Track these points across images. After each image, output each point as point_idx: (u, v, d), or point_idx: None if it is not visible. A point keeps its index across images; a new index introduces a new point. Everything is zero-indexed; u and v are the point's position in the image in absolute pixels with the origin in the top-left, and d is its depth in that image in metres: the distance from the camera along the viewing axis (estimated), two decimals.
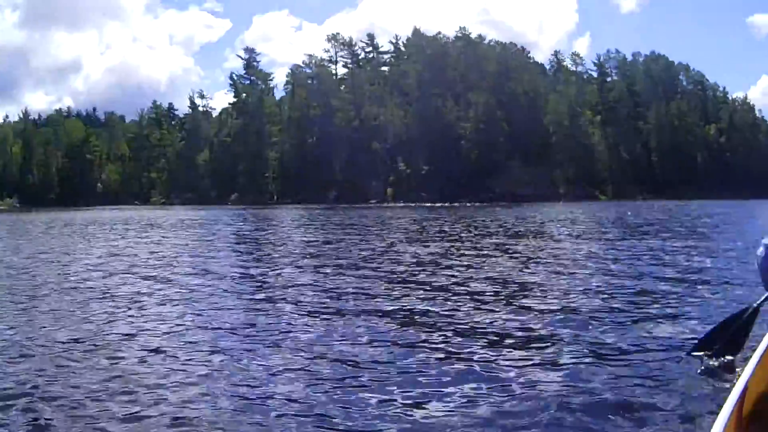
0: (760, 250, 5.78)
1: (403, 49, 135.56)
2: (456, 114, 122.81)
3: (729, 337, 6.81)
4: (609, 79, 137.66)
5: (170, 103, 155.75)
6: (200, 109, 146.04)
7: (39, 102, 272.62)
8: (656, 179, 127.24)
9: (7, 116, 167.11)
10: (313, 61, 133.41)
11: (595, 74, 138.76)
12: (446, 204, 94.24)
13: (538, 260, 16.70)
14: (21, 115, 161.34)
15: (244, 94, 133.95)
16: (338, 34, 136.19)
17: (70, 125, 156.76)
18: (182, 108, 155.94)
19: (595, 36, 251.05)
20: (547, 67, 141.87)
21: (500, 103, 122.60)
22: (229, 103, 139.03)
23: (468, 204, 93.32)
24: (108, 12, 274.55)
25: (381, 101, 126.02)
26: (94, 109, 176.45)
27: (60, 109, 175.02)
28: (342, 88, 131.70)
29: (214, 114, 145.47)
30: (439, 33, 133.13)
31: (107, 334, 9.08)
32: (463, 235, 27.57)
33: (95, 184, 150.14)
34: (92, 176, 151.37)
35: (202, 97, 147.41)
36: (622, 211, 54.22)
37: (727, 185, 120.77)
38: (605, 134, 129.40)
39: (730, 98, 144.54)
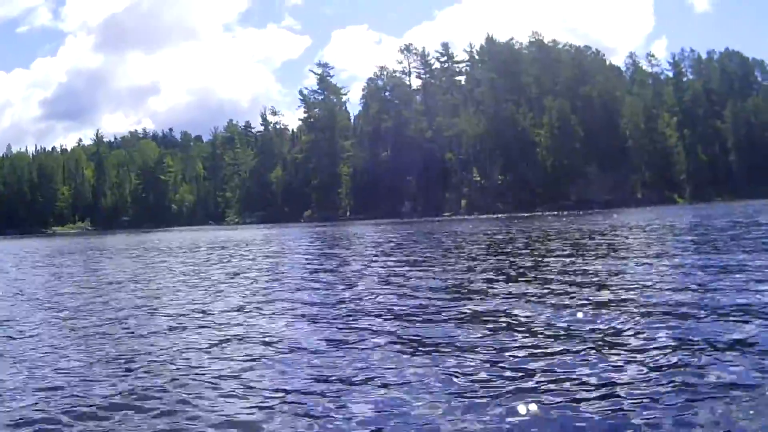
0: None
1: (476, 57, 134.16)
2: (530, 120, 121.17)
3: None
4: (684, 79, 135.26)
5: (247, 121, 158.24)
6: (272, 126, 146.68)
7: (118, 125, 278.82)
8: (734, 179, 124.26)
9: (80, 140, 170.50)
10: (386, 74, 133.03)
11: (671, 74, 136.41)
12: (524, 214, 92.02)
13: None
14: (94, 138, 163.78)
15: (316, 110, 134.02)
16: (411, 45, 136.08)
17: (143, 146, 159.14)
18: (259, 126, 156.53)
19: (671, 37, 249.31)
20: (623, 69, 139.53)
21: (575, 108, 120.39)
22: (300, 119, 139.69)
23: (546, 213, 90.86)
24: (185, 33, 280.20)
25: (454, 111, 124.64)
26: (171, 130, 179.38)
27: (135, 131, 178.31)
28: (415, 99, 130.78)
29: (290, 131, 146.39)
30: (512, 39, 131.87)
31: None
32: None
33: (169, 205, 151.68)
34: (166, 197, 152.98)
35: (274, 114, 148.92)
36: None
37: None
38: (682, 136, 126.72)
39: None
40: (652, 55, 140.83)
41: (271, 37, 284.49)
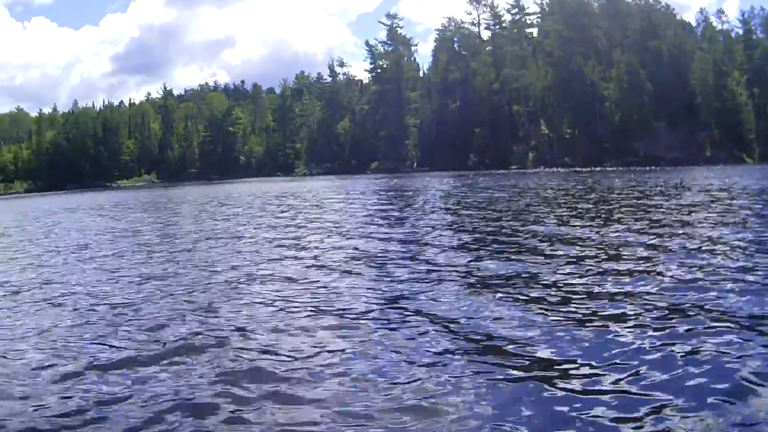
0: None
1: (546, 9, 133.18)
2: (599, 74, 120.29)
3: None
4: (754, 37, 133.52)
5: (318, 73, 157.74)
6: (340, 77, 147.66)
7: (193, 78, 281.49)
8: None
9: (149, 93, 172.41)
10: (454, 25, 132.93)
11: (740, 32, 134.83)
12: (592, 168, 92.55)
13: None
14: (161, 91, 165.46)
15: (382, 61, 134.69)
16: None
17: (212, 98, 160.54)
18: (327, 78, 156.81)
19: None
20: (694, 26, 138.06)
21: (644, 62, 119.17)
22: (366, 70, 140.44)
23: (613, 168, 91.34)
24: None
25: (522, 63, 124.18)
26: (242, 82, 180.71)
27: (206, 83, 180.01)
28: (484, 51, 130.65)
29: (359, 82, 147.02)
30: None
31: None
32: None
33: (237, 156, 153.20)
34: (234, 149, 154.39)
35: (342, 65, 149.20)
36: None
37: None
38: (752, 94, 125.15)
39: None
40: (723, 12, 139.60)
41: None
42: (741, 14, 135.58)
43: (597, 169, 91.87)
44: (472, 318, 8.43)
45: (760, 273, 10.09)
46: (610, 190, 36.20)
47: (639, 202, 26.69)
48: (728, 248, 12.88)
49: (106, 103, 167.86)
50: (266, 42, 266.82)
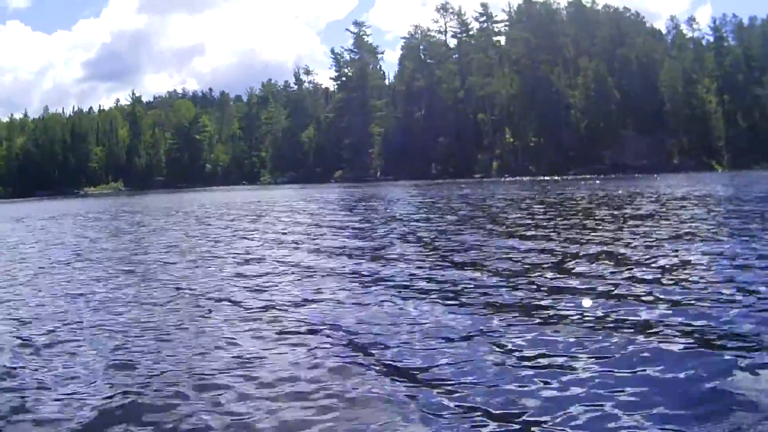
0: None
1: (514, 17, 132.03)
2: (565, 82, 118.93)
3: None
4: (725, 44, 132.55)
5: (286, 81, 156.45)
6: (306, 85, 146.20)
7: (163, 85, 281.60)
8: None
9: (117, 100, 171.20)
10: (421, 33, 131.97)
11: (711, 39, 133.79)
12: (556, 177, 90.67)
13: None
14: (130, 98, 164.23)
15: (347, 69, 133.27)
16: (447, 3, 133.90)
17: (179, 106, 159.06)
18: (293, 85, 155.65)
19: (716, 4, 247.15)
20: (664, 33, 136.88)
21: (612, 70, 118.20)
22: (331, 78, 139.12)
23: (579, 177, 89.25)
24: None
25: (489, 71, 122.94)
26: (210, 90, 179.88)
27: (174, 90, 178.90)
28: (450, 59, 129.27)
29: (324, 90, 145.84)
30: None
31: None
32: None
33: (203, 165, 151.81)
34: (201, 157, 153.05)
35: (308, 72, 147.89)
36: None
37: None
38: (722, 102, 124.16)
39: None
40: (694, 19, 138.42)
41: None
42: (713, 21, 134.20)
43: (561, 177, 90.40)
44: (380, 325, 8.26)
45: (687, 286, 9.71)
46: (555, 200, 35.56)
47: (588, 211, 26.20)
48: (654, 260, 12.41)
49: (76, 109, 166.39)
50: (236, 50, 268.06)
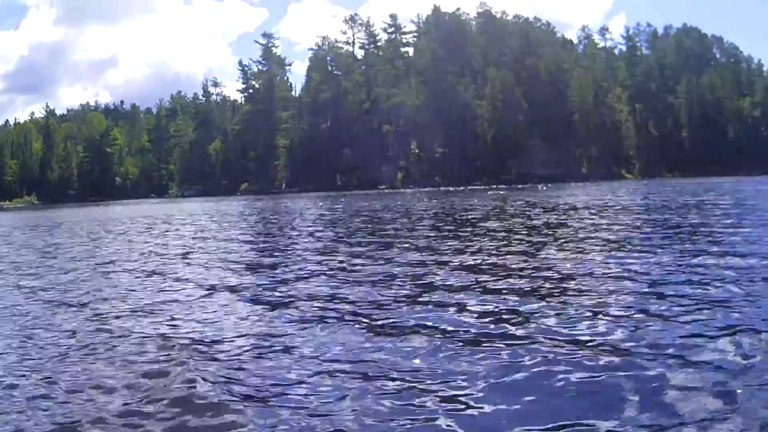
0: None
1: (423, 28, 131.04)
2: (473, 92, 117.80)
3: None
4: (638, 53, 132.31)
5: (195, 93, 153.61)
6: (214, 97, 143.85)
7: (77, 98, 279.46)
8: (686, 156, 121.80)
9: (32, 113, 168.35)
10: (328, 44, 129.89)
11: (624, 48, 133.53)
12: (460, 188, 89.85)
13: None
14: (44, 111, 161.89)
15: (254, 81, 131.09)
16: (356, 15, 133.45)
17: (91, 119, 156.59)
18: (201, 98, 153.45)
19: (631, 14, 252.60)
20: (576, 43, 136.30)
21: (520, 80, 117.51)
22: (238, 90, 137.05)
23: (484, 187, 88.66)
24: (145, 5, 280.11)
25: (395, 82, 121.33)
26: (122, 102, 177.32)
27: (87, 103, 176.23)
28: (357, 70, 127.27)
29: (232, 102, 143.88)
30: (459, 9, 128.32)
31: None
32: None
33: (113, 178, 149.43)
34: (111, 170, 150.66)
35: (216, 85, 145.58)
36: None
37: (762, 160, 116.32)
38: (633, 110, 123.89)
39: (765, 71, 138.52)
40: (607, 29, 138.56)
41: (228, 9, 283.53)
42: (626, 31, 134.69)
43: (466, 188, 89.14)
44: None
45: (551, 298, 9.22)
46: (449, 211, 34.35)
47: (476, 222, 24.85)
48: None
49: None
50: (149, 62, 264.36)
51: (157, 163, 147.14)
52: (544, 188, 71.67)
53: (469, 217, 27.21)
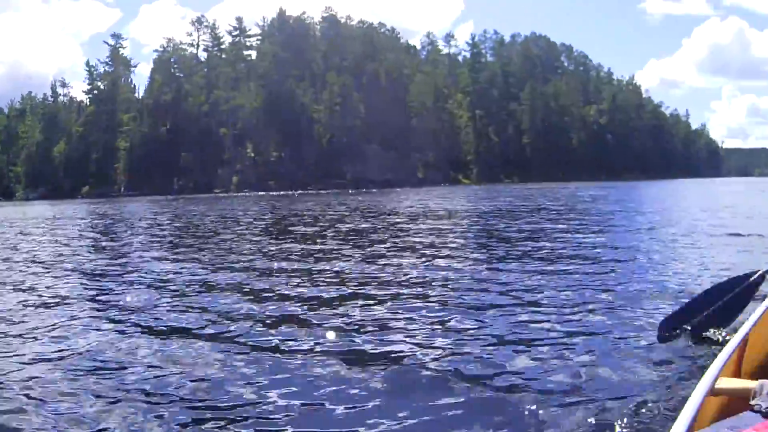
0: None
1: (267, 31, 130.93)
2: (311, 96, 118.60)
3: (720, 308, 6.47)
4: (483, 60, 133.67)
5: (45, 94, 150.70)
6: (62, 98, 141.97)
7: None
8: (527, 161, 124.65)
9: None
10: (173, 46, 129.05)
11: (469, 55, 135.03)
12: (293, 192, 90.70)
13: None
14: None
15: (99, 82, 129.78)
16: (203, 17, 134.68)
17: None
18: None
19: (480, 22, 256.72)
20: (419, 49, 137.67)
21: (360, 85, 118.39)
22: (83, 91, 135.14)
23: (318, 192, 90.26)
24: (3, 3, 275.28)
25: (235, 85, 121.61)
26: None
27: None
28: (199, 73, 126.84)
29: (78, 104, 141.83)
30: (304, 13, 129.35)
31: None
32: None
33: None
34: None
35: (64, 85, 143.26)
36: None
37: (606, 166, 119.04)
38: (474, 116, 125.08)
39: (614, 79, 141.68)
40: (452, 36, 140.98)
41: (83, 9, 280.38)
42: (471, 38, 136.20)
43: (300, 192, 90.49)
44: None
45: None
46: (272, 217, 35.36)
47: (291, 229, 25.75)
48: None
49: None
50: (3, 61, 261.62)
51: (6, 165, 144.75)
52: (358, 194, 73.10)
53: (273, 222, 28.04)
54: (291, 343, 7.30)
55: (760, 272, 6.40)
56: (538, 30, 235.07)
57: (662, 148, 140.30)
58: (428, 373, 6.07)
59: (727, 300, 6.38)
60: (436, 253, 14.87)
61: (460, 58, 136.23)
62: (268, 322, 8.60)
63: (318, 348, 7.04)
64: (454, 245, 16.71)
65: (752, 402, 2.91)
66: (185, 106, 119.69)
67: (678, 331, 6.45)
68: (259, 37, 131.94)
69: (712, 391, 3.26)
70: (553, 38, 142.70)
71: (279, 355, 6.80)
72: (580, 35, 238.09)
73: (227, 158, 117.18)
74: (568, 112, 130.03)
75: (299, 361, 6.54)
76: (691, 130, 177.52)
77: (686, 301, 7.16)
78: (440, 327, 7.87)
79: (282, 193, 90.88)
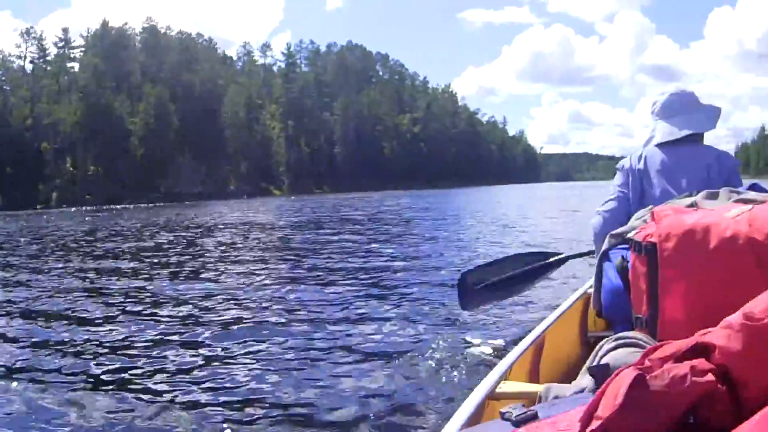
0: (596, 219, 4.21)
1: (90, 42, 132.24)
2: (128, 109, 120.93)
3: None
4: (297, 70, 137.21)
5: None
6: None
7: None
8: (338, 171, 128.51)
9: None
10: (1, 58, 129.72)
11: (283, 65, 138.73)
12: (107, 207, 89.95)
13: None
14: None
15: None
16: (32, 28, 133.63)
17: None
18: None
19: (299, 32, 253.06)
20: (235, 59, 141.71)
21: (176, 96, 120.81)
22: None
23: (131, 206, 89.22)
24: None
25: (59, 97, 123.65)
26: None
27: None
28: (25, 85, 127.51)
29: None
30: (126, 24, 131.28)
31: None
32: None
33: None
34: None
35: None
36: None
37: (420, 175, 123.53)
38: (286, 127, 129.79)
39: (430, 88, 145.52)
40: (269, 46, 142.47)
41: None
42: (286, 48, 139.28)
43: (115, 207, 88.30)
44: None
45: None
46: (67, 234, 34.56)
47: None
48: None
49: None
50: None
51: None
52: (166, 207, 68.00)
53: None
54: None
55: (563, 255, 5.77)
56: (357, 40, 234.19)
57: (478, 155, 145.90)
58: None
59: (528, 269, 5.73)
60: (225, 269, 14.39)
61: (275, 68, 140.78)
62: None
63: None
64: (246, 260, 15.95)
65: (503, 410, 2.09)
66: (10, 120, 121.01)
67: (477, 287, 5.51)
68: (83, 49, 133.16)
69: (492, 395, 3.03)
70: (369, 48, 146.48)
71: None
72: (397, 45, 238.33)
73: (48, 173, 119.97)
74: (381, 122, 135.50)
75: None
76: (508, 137, 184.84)
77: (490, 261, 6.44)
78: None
79: (95, 207, 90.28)
